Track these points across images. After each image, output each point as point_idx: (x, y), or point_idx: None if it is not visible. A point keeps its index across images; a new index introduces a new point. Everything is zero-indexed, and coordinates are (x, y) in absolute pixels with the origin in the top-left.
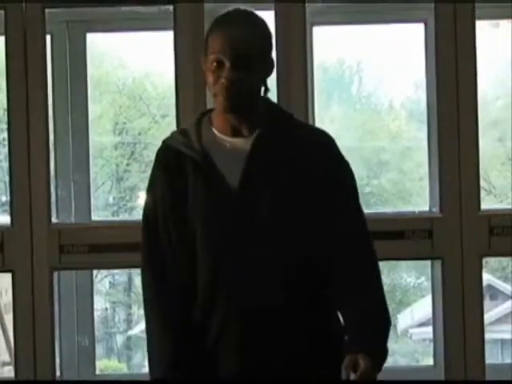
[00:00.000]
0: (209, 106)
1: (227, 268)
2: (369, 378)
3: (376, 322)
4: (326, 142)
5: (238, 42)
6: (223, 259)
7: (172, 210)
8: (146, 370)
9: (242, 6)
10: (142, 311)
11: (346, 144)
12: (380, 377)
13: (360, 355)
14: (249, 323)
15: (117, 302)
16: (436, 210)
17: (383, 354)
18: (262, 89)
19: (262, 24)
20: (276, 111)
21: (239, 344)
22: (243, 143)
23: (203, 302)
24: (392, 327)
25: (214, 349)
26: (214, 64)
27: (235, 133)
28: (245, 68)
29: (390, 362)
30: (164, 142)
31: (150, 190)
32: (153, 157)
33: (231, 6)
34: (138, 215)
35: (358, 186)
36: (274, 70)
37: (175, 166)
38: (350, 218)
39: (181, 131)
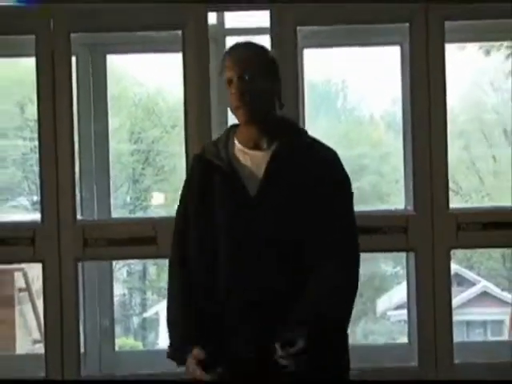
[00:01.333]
0: (213, 117)
1: (246, 252)
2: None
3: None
4: (331, 158)
5: (241, 60)
6: (243, 247)
7: (201, 209)
8: (159, 347)
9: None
10: (155, 296)
11: None
12: (361, 352)
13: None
14: (256, 303)
15: (133, 289)
16: (410, 208)
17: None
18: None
19: (262, 49)
20: (291, 127)
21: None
22: (262, 156)
23: (225, 277)
24: (371, 310)
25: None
26: (227, 84)
27: (255, 146)
28: (249, 81)
29: (370, 340)
30: (197, 154)
31: (184, 193)
32: (165, 162)
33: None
34: (151, 213)
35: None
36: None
37: (205, 175)
38: (341, 221)
39: (213, 143)
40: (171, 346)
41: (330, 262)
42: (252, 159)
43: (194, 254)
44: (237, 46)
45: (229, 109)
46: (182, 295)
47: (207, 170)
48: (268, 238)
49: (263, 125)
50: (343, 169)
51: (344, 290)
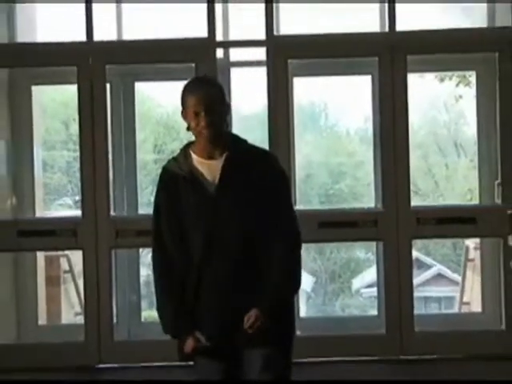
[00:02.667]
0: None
1: (209, 240)
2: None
3: (273, 287)
4: (268, 156)
5: (206, 97)
6: (206, 237)
7: (170, 209)
8: None
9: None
10: None
11: (316, 160)
12: (340, 322)
13: (254, 309)
14: (220, 279)
15: None
16: (379, 206)
17: (269, 310)
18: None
19: (217, 83)
20: (236, 140)
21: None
22: (216, 164)
23: (197, 264)
24: (347, 288)
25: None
26: (192, 114)
27: (210, 157)
28: (212, 113)
29: (346, 312)
30: (164, 167)
31: (156, 197)
32: None
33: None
34: None
35: (290, 186)
36: (251, 108)
37: (171, 182)
38: (280, 207)
39: (173, 158)
40: (165, 325)
41: (278, 244)
42: (209, 167)
43: (169, 243)
44: (195, 84)
45: (190, 129)
46: (165, 281)
47: (173, 179)
48: (226, 228)
49: (216, 141)
50: (279, 165)
51: (292, 272)
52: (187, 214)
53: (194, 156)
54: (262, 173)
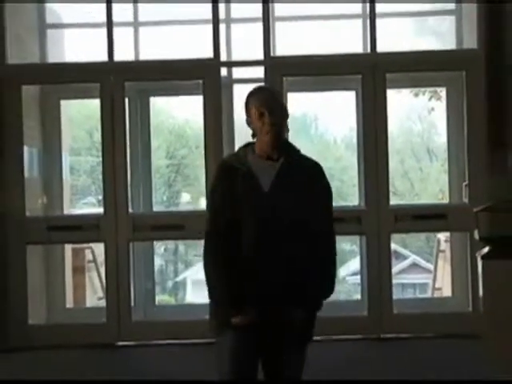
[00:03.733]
0: (224, 141)
1: (260, 233)
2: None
3: (314, 287)
4: (319, 168)
5: (271, 100)
6: (258, 229)
7: (225, 201)
8: (187, 301)
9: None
10: (183, 266)
11: None
12: (327, 306)
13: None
14: (268, 262)
15: (168, 261)
16: (363, 204)
17: (315, 306)
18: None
19: (276, 90)
20: (292, 147)
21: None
22: (272, 164)
23: (247, 251)
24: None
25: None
26: (256, 114)
27: (268, 157)
28: (275, 114)
29: (334, 297)
30: (223, 160)
31: (214, 187)
32: (190, 172)
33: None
34: (181, 208)
35: (332, 198)
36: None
37: (229, 174)
38: (324, 212)
39: (234, 154)
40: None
41: (321, 242)
42: (266, 166)
43: (225, 232)
44: (262, 88)
45: (250, 130)
46: (220, 259)
47: (232, 171)
48: (277, 221)
49: (278, 143)
50: (326, 177)
51: (330, 279)
52: (242, 206)
53: (254, 155)
54: (313, 181)
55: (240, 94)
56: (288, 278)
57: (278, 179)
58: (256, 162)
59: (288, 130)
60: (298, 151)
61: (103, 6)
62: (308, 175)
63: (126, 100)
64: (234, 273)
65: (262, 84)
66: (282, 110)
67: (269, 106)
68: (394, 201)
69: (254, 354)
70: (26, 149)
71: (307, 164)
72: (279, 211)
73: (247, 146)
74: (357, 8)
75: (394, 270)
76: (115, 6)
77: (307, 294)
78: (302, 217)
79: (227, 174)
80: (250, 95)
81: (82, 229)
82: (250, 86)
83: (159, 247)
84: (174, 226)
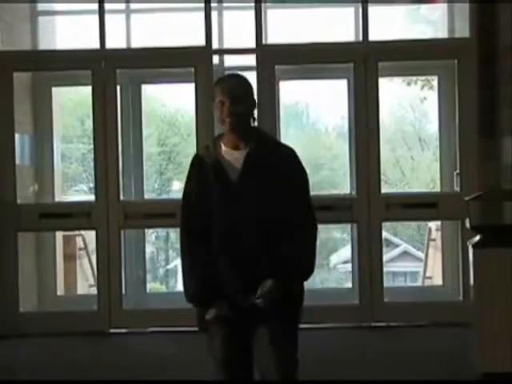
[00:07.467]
0: (215, 129)
1: (231, 223)
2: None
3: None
4: (291, 154)
5: (232, 89)
6: (228, 219)
7: (199, 192)
8: (178, 289)
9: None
10: (174, 254)
11: (299, 152)
12: (319, 294)
13: (269, 280)
14: (238, 251)
15: (159, 248)
16: (354, 193)
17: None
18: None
19: (245, 79)
20: (261, 134)
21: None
22: (240, 154)
23: (217, 241)
24: (326, 264)
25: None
26: (219, 104)
27: (236, 147)
28: (236, 104)
29: (324, 285)
30: (196, 153)
31: (188, 180)
32: (182, 160)
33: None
34: (172, 196)
35: (309, 182)
36: (256, 106)
37: (201, 168)
38: (299, 201)
39: (205, 146)
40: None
41: (296, 231)
42: (234, 157)
43: (196, 222)
44: (227, 77)
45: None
46: (191, 257)
47: (202, 164)
48: (246, 211)
49: (241, 133)
50: (300, 162)
51: (306, 256)
52: (213, 198)
53: (222, 146)
54: (284, 168)
55: None
56: (260, 266)
57: (245, 169)
58: (225, 153)
59: (254, 119)
60: (270, 137)
61: None
62: (278, 162)
63: (118, 87)
64: (203, 270)
65: (234, 72)
66: (248, 98)
67: (230, 96)
68: (385, 189)
69: (246, 339)
70: (17, 136)
71: (278, 151)
72: (248, 201)
73: (219, 137)
74: None
75: (385, 258)
76: None
77: (281, 267)
78: (274, 205)
79: (198, 169)
80: (215, 82)
81: (73, 216)
82: (242, 74)
83: (150, 235)
84: (166, 213)
